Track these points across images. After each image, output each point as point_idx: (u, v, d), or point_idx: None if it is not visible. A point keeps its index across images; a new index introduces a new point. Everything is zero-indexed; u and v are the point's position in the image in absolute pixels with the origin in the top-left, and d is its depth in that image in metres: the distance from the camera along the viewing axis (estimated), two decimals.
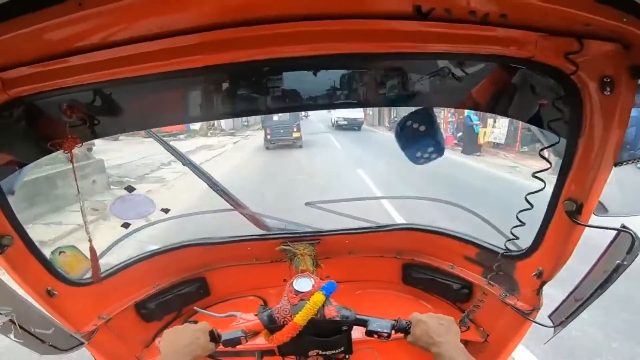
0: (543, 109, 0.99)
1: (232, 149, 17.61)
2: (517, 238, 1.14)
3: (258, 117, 24.24)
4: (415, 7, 0.70)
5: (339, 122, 24.22)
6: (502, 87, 1.02)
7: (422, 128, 1.17)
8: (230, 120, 22.07)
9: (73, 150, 1.04)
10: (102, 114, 1.09)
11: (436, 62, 1.01)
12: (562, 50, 0.77)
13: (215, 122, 20.92)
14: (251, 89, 1.15)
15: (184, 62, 0.81)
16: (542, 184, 1.02)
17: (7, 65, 0.76)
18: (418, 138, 1.22)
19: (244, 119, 26.42)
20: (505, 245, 1.18)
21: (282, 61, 0.86)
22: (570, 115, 0.87)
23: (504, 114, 1.08)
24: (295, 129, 15.81)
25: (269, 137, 15.94)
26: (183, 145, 15.92)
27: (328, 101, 1.21)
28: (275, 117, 15.29)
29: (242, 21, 0.74)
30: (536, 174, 0.99)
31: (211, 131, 24.37)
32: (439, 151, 1.22)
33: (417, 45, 0.80)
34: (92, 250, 1.19)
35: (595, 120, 0.82)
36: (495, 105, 1.09)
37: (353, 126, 23.85)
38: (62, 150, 1.03)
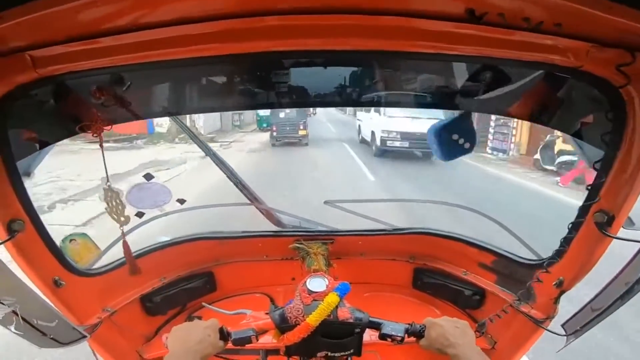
0: (583, 119, 0.98)
1: (190, 171, 10.04)
2: (557, 251, 1.11)
3: (253, 117, 22.92)
4: (468, 11, 0.69)
5: (388, 141, 11.45)
6: (545, 96, 1.02)
7: (462, 141, 1.17)
8: (215, 119, 19.81)
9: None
10: (131, 97, 1.06)
11: (480, 66, 1.00)
12: (613, 62, 0.76)
13: (189, 123, 16.11)
14: (285, 81, 1.13)
15: (220, 48, 0.79)
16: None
17: (38, 43, 0.74)
18: (458, 148, 1.21)
19: (235, 118, 23.22)
20: (543, 258, 1.18)
21: (324, 54, 0.85)
22: (612, 127, 0.86)
23: (546, 124, 1.07)
24: (301, 127, 15.50)
25: (275, 134, 15.77)
26: (127, 157, 10.99)
27: (355, 98, 1.19)
28: (282, 114, 15.22)
29: (289, 9, 0.72)
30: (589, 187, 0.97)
31: (181, 135, 16.02)
32: (470, 151, 1.22)
33: (466, 48, 0.79)
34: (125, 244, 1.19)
35: (637, 134, 0.82)
36: (538, 114, 1.08)
37: (422, 149, 10.94)
38: (92, 134, 1.00)
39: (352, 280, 1.75)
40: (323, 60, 1.02)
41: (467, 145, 1.18)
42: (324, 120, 28.40)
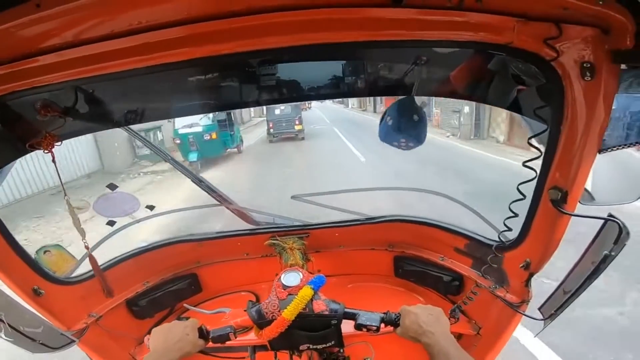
0: (523, 95, 0.96)
1: None
2: (510, 229, 1.12)
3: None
4: None
5: None
6: (481, 73, 1.00)
7: (416, 117, 1.20)
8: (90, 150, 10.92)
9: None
10: (80, 111, 1.07)
11: (414, 49, 0.99)
12: (540, 36, 0.75)
13: None
14: (231, 81, 1.14)
15: (160, 57, 0.80)
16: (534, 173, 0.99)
17: None
18: (403, 129, 1.22)
19: (138, 144, 11.35)
20: (499, 237, 1.17)
21: (262, 53, 0.85)
22: (552, 102, 0.84)
23: (483, 101, 1.05)
24: (297, 122, 15.78)
25: (271, 130, 15.96)
26: None
27: (307, 92, 1.19)
28: (277, 110, 15.34)
29: (219, 14, 0.73)
30: (527, 163, 0.96)
31: None
32: (419, 142, 1.25)
33: (394, 33, 0.79)
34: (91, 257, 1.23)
35: (578, 107, 0.80)
36: (474, 92, 1.07)
37: None
38: (43, 151, 1.02)
39: (334, 273, 1.78)
40: (272, 58, 1.03)
41: (389, 120, 1.23)
42: (327, 120, 19.56)
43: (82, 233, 1.18)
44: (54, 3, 0.61)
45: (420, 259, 1.65)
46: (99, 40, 0.74)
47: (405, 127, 1.18)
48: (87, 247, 1.21)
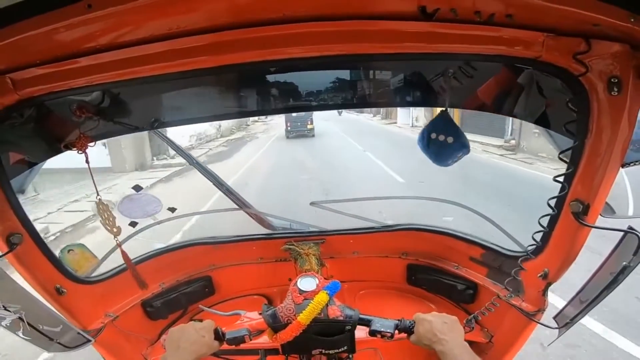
0: (549, 109, 0.98)
1: None
2: (538, 244, 1.11)
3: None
4: (420, 8, 0.71)
5: None
6: (508, 87, 1.02)
7: (450, 139, 1.19)
8: None
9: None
10: (112, 114, 1.10)
11: (442, 62, 1.01)
12: (569, 51, 0.76)
13: None
14: (257, 89, 1.16)
15: (191, 63, 0.82)
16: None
17: (18, 66, 0.78)
18: (446, 147, 1.23)
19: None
20: (526, 250, 1.17)
21: (289, 62, 0.86)
22: (577, 116, 0.86)
23: (510, 114, 1.07)
24: (309, 122, 19.15)
25: (289, 128, 19.24)
26: None
27: (332, 102, 1.22)
28: (294, 113, 16.88)
29: (249, 22, 0.75)
30: (557, 178, 0.97)
31: None
32: (466, 149, 1.24)
33: (423, 46, 0.80)
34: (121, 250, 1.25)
35: (603, 121, 0.81)
36: (501, 105, 1.09)
37: None
38: (77, 151, 1.05)
39: (347, 279, 1.79)
40: (299, 67, 1.04)
41: (449, 139, 1.19)
42: (359, 147, 14.38)
43: (113, 232, 1.20)
44: (105, 4, 0.63)
45: (434, 267, 1.66)
46: (138, 44, 0.76)
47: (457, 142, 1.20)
48: (118, 244, 1.24)
